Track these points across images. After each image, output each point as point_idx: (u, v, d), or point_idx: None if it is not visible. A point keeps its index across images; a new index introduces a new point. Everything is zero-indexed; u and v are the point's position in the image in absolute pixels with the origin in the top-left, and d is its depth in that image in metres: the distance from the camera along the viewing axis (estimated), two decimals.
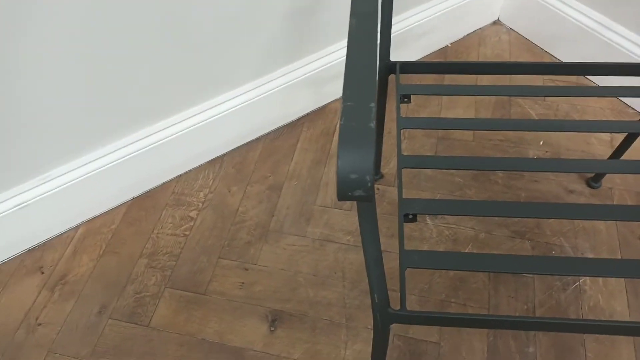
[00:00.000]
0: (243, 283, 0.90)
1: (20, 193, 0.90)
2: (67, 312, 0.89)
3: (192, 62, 0.94)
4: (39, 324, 0.87)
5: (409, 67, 0.77)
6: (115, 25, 0.79)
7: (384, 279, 0.49)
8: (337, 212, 0.99)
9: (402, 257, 0.58)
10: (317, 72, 1.09)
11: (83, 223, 1.00)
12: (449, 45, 1.26)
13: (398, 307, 0.54)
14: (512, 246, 0.93)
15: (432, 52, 1.25)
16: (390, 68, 0.77)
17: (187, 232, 0.98)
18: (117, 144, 0.96)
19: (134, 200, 1.03)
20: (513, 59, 1.22)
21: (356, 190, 0.32)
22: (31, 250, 0.97)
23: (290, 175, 1.05)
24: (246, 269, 0.92)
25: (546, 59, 1.22)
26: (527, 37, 1.27)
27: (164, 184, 1.05)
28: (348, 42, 0.40)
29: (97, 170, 0.95)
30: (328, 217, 0.98)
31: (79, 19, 0.75)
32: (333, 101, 1.17)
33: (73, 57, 0.79)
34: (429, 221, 0.97)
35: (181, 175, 1.06)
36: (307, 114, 1.15)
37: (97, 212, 1.01)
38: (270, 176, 1.05)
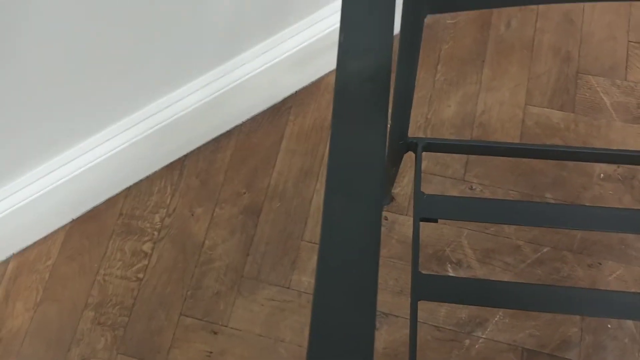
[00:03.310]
0: (211, 353, 0.73)
1: None
2: None
3: (134, 53, 0.64)
4: None
5: (434, 147, 0.48)
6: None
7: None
8: None
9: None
10: (308, 45, 0.77)
11: (14, 255, 0.80)
12: None
13: None
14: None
15: None
16: (409, 146, 0.48)
17: (140, 275, 0.78)
18: (51, 163, 0.72)
19: (74, 223, 0.81)
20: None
21: None
22: None
23: (272, 192, 0.80)
24: (215, 332, 0.74)
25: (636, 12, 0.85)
26: None
27: (109, 199, 0.82)
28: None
29: (30, 195, 0.73)
30: None
31: None
32: (330, 73, 0.86)
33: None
34: (450, 272, 0.74)
35: (130, 187, 0.82)
36: (296, 93, 0.85)
37: (30, 241, 0.80)
38: (245, 193, 0.81)
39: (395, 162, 0.51)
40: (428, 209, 0.44)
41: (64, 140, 0.70)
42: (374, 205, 0.35)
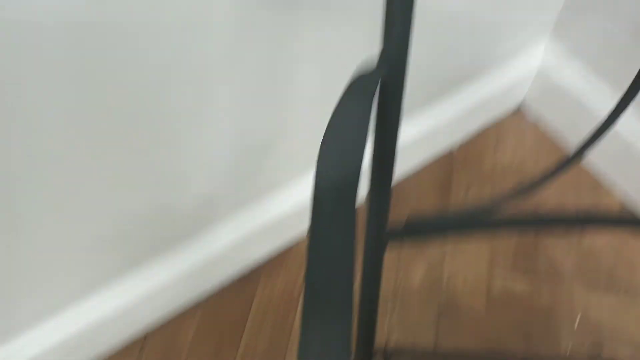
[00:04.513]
0: None
1: None
2: None
3: (93, 239, 0.63)
4: None
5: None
6: None
7: None
8: None
9: None
10: (277, 221, 0.79)
11: None
12: (454, 152, 0.95)
13: None
14: None
15: (433, 162, 0.94)
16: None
17: None
18: None
19: None
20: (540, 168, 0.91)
21: None
22: None
23: None
24: None
25: (582, 171, 0.92)
26: (557, 135, 0.96)
27: None
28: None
29: None
30: None
31: None
32: (300, 242, 0.87)
33: None
34: None
35: None
36: (266, 262, 0.85)
37: None
38: None
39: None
40: None
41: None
42: None
